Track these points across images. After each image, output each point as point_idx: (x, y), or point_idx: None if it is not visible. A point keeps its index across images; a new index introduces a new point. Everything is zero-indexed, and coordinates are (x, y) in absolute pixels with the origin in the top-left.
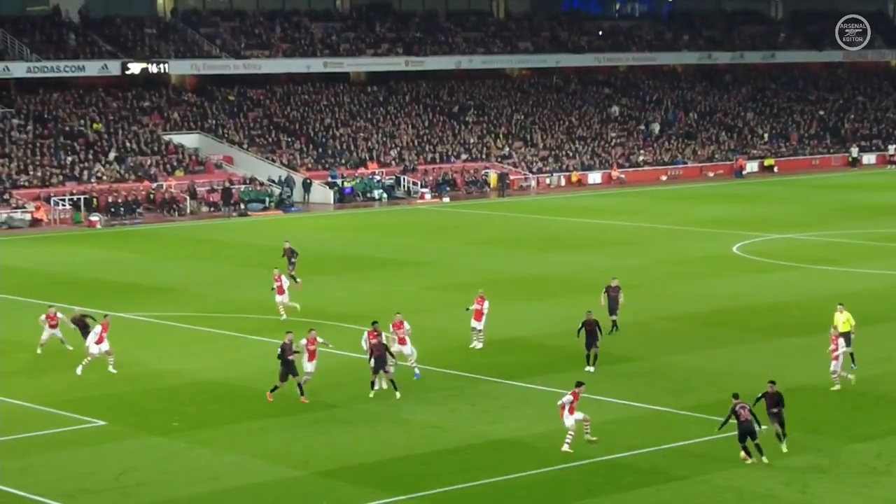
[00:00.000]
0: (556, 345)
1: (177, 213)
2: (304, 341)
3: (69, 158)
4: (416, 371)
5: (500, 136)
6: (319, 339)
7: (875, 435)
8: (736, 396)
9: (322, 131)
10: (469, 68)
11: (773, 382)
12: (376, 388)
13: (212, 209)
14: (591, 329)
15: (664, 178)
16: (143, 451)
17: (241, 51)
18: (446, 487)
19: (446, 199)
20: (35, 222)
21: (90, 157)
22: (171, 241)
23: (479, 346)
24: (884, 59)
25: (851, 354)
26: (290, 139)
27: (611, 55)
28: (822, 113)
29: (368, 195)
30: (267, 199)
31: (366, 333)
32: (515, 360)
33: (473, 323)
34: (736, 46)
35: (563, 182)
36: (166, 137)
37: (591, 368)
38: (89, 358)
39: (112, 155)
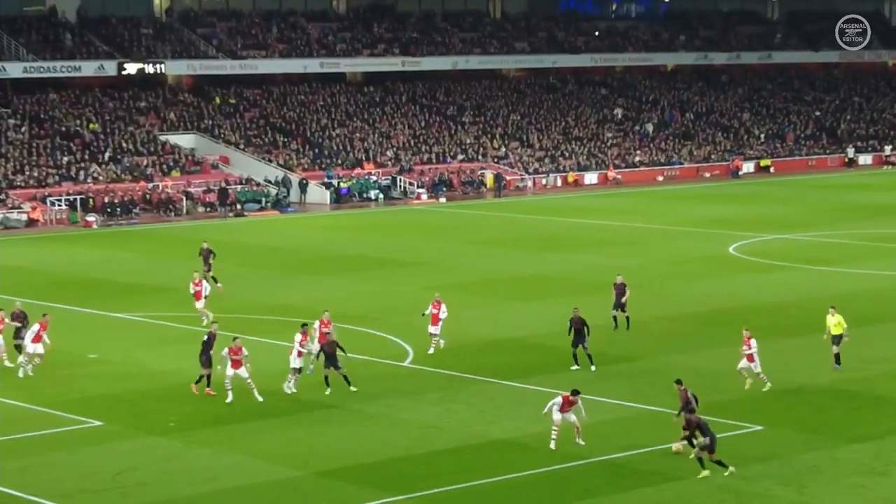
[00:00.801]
0: (553, 345)
1: (173, 214)
2: (225, 351)
3: (65, 159)
4: (310, 367)
5: (497, 136)
6: (245, 352)
7: (873, 435)
8: (679, 382)
9: (318, 132)
10: (465, 69)
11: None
12: (329, 388)
13: (208, 209)
14: (577, 328)
15: (660, 178)
16: (141, 451)
17: (238, 51)
18: (444, 487)
19: (442, 200)
20: (31, 222)
21: (86, 157)
22: (168, 242)
23: (433, 350)
24: (880, 60)
25: (838, 356)
26: (286, 139)
27: (607, 55)
28: (818, 113)
29: (365, 195)
30: (263, 200)
31: (298, 335)
32: (512, 360)
33: (430, 328)
34: (732, 47)
35: (559, 182)
36: (162, 138)
37: (592, 368)
38: (25, 357)
39: (108, 155)
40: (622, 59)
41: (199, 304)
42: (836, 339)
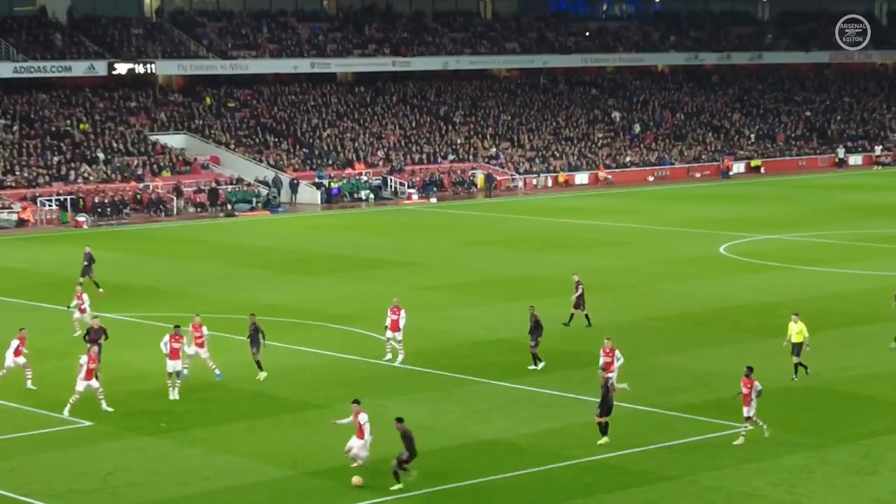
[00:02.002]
0: (544, 345)
1: (163, 214)
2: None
3: (56, 159)
4: (217, 372)
5: (488, 136)
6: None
7: (863, 435)
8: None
9: (309, 132)
10: (456, 69)
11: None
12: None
13: (198, 210)
14: (533, 325)
15: (651, 178)
16: (131, 451)
17: (228, 51)
18: (435, 488)
19: (433, 200)
20: (21, 223)
21: (77, 157)
22: (158, 242)
23: (400, 357)
24: (870, 61)
25: (803, 365)
26: (277, 140)
27: (598, 56)
28: (808, 114)
29: (355, 196)
30: (254, 200)
31: (167, 337)
32: (504, 360)
33: (389, 333)
34: (723, 47)
35: (550, 183)
36: (153, 138)
37: (536, 366)
38: (5, 371)
39: (99, 155)
40: (613, 59)
41: (82, 316)
42: (797, 348)
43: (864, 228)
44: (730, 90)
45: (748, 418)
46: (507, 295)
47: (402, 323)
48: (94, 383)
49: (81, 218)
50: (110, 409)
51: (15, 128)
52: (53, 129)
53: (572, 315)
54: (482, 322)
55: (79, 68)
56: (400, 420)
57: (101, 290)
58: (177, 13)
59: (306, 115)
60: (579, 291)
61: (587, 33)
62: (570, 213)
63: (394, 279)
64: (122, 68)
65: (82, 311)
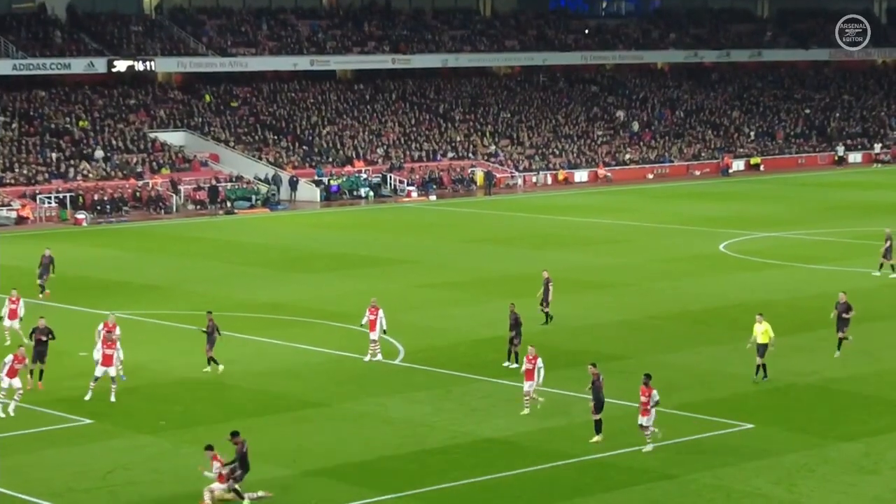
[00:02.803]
0: (544, 343)
1: (163, 211)
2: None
3: (55, 156)
4: (122, 375)
5: (487, 134)
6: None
7: (863, 434)
8: (594, 363)
9: (308, 129)
10: (456, 66)
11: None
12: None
13: (198, 207)
14: (513, 323)
15: (650, 176)
16: (131, 449)
17: (228, 48)
18: (435, 486)
19: (433, 198)
20: (21, 220)
21: (76, 154)
22: (158, 239)
23: (379, 357)
24: (870, 58)
25: (764, 367)
26: (276, 137)
27: (597, 53)
28: (808, 111)
29: (355, 193)
30: (253, 198)
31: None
32: (503, 358)
33: (371, 335)
34: (722, 45)
35: (549, 180)
36: (152, 135)
37: (512, 365)
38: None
39: (98, 153)
40: (612, 56)
41: (11, 323)
42: (762, 349)
43: (863, 226)
44: (729, 88)
45: (644, 427)
46: (507, 293)
47: (381, 323)
48: (17, 383)
49: (81, 215)
50: (7, 415)
51: (14, 125)
52: (53, 126)
53: (544, 313)
54: (481, 320)
55: (78, 65)
56: (235, 434)
57: (48, 291)
58: (176, 10)
59: (306, 112)
60: (548, 289)
61: (587, 31)
62: (569, 211)
63: (393, 277)
64: (121, 65)
65: (12, 317)
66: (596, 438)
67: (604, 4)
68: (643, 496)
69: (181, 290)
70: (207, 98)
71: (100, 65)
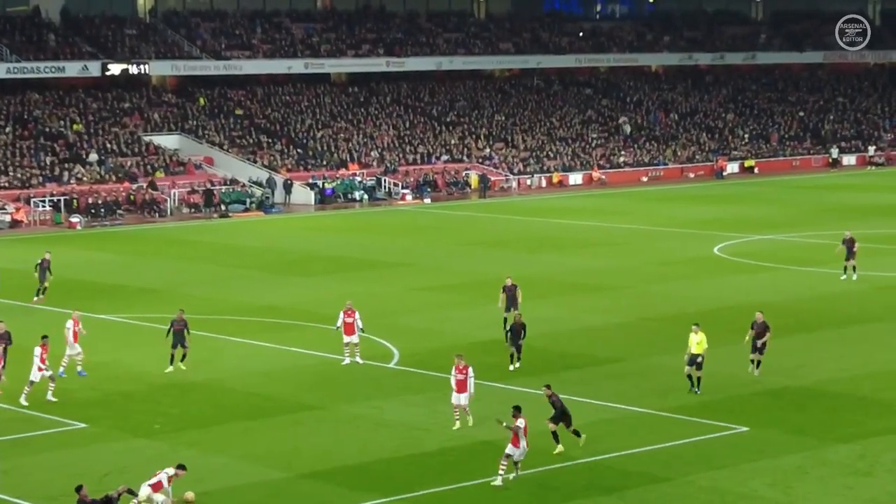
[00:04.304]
0: (539, 346)
1: (157, 215)
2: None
3: (49, 159)
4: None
5: (482, 137)
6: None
7: (858, 436)
8: (548, 386)
9: (303, 132)
10: (450, 69)
11: (548, 386)
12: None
13: (193, 210)
14: (516, 330)
15: (645, 179)
16: (126, 453)
17: (222, 51)
18: (431, 489)
19: (427, 201)
20: (15, 223)
21: (70, 158)
22: (153, 243)
23: (359, 361)
24: (864, 61)
25: (698, 378)
26: (270, 140)
27: (592, 56)
28: (802, 114)
29: (349, 196)
30: (248, 201)
31: (38, 349)
32: (498, 361)
33: (345, 338)
34: (717, 47)
35: (543, 183)
36: (146, 138)
37: (516, 365)
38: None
39: (93, 156)
40: (607, 59)
41: None
42: (693, 360)
43: (857, 229)
44: (723, 90)
45: (510, 457)
46: None
47: (359, 325)
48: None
49: (75, 219)
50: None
51: (8, 128)
52: (47, 129)
53: (506, 320)
54: (477, 323)
55: (72, 69)
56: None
57: (42, 296)
58: (170, 13)
59: (300, 115)
60: (516, 294)
61: (581, 33)
62: (564, 214)
63: (388, 280)
64: (115, 69)
65: None
66: (578, 440)
67: (598, 7)
68: (640, 498)
69: (176, 293)
70: (202, 101)
71: (94, 68)
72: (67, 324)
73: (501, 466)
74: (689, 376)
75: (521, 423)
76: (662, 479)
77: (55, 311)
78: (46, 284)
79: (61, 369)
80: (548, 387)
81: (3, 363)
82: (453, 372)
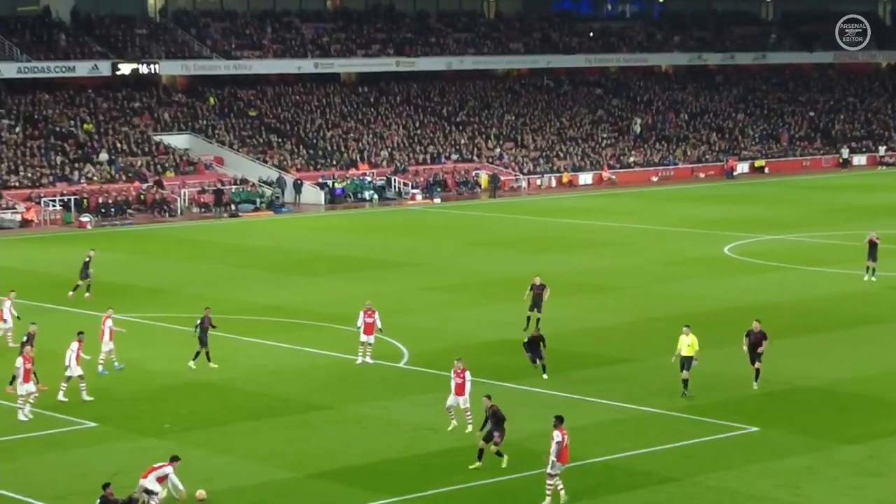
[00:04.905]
0: (549, 346)
1: (167, 214)
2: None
3: (59, 159)
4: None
5: (491, 136)
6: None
7: (867, 436)
8: (489, 396)
9: (313, 132)
10: (460, 69)
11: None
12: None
13: (202, 210)
14: (534, 341)
15: (655, 178)
16: (135, 452)
17: (232, 51)
18: (439, 489)
19: (437, 200)
20: (25, 223)
21: (80, 157)
22: (162, 242)
23: (370, 361)
24: (874, 61)
25: (686, 381)
26: (280, 140)
27: (602, 56)
28: (812, 114)
29: (359, 196)
30: (258, 200)
31: (74, 344)
32: (507, 361)
33: (363, 337)
34: (727, 47)
35: (553, 183)
36: (157, 138)
37: (545, 376)
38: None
39: (103, 155)
40: (617, 59)
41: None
42: (686, 362)
43: (868, 229)
44: (734, 90)
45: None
46: (511, 296)
47: (378, 325)
48: (31, 387)
49: (85, 218)
50: (29, 418)
51: (18, 128)
52: (57, 129)
53: (529, 318)
54: (486, 323)
55: (82, 68)
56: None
57: (71, 293)
58: (180, 13)
59: (310, 115)
60: (542, 294)
61: (591, 33)
62: (573, 214)
63: (397, 280)
64: (125, 68)
65: (3, 319)
66: (500, 461)
67: (608, 7)
68: (647, 499)
69: (185, 292)
70: (212, 101)
71: (104, 67)
72: (106, 322)
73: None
74: (685, 381)
75: (557, 436)
76: (670, 479)
77: (65, 311)
78: (89, 281)
79: (100, 367)
80: (488, 397)
81: (31, 364)
82: (452, 375)
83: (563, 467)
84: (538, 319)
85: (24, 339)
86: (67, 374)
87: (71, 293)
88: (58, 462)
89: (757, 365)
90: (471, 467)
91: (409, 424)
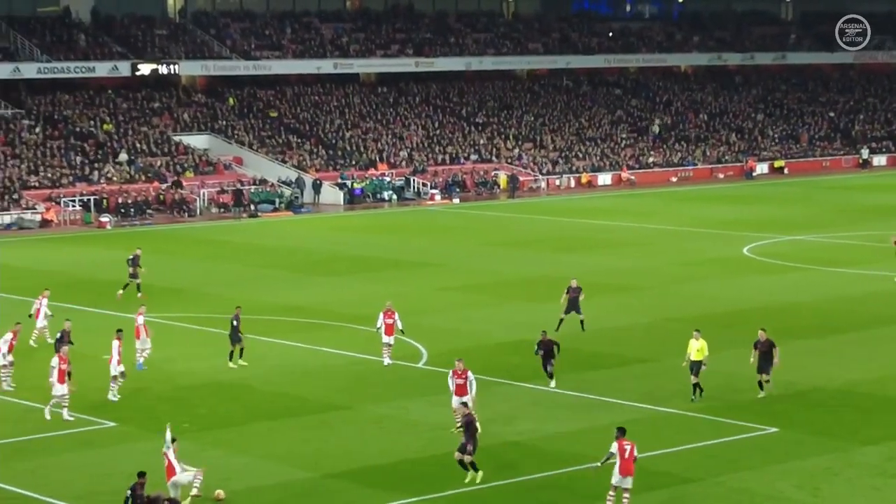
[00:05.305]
0: (567, 347)
1: (187, 214)
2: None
3: (79, 159)
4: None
5: (510, 137)
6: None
7: (886, 437)
8: (465, 404)
9: (332, 132)
10: (479, 69)
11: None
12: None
13: (221, 210)
14: (547, 349)
15: (674, 179)
16: (154, 452)
17: (252, 52)
18: (457, 490)
19: (456, 201)
20: (45, 223)
21: (100, 157)
22: (182, 242)
23: (389, 361)
24: (895, 61)
25: (699, 385)
26: (299, 140)
27: (621, 56)
28: (832, 114)
29: (378, 196)
30: (277, 201)
31: (115, 342)
32: (526, 361)
33: (385, 338)
34: (746, 48)
35: (572, 183)
36: (176, 138)
37: (552, 384)
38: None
39: (122, 156)
40: (636, 59)
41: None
42: (695, 367)
43: (887, 229)
44: (753, 91)
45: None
46: (530, 296)
47: (399, 326)
48: (65, 389)
49: (105, 218)
50: (71, 419)
51: (38, 128)
52: (77, 129)
53: (562, 321)
54: (504, 323)
55: (102, 69)
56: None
57: (120, 292)
58: (200, 14)
59: (329, 115)
60: (578, 296)
61: (610, 34)
62: (592, 214)
63: (416, 280)
64: (145, 69)
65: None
66: (474, 475)
67: (627, 7)
68: (666, 499)
69: (204, 292)
70: (231, 101)
71: (124, 68)
72: (139, 319)
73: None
74: (695, 385)
75: (614, 447)
76: (691, 480)
77: (87, 311)
78: (139, 280)
79: (140, 362)
80: (464, 405)
81: (67, 363)
82: (451, 376)
83: (623, 480)
84: (581, 321)
85: (59, 336)
86: (113, 372)
87: (121, 292)
88: (77, 462)
89: (766, 377)
90: (466, 481)
91: (427, 424)
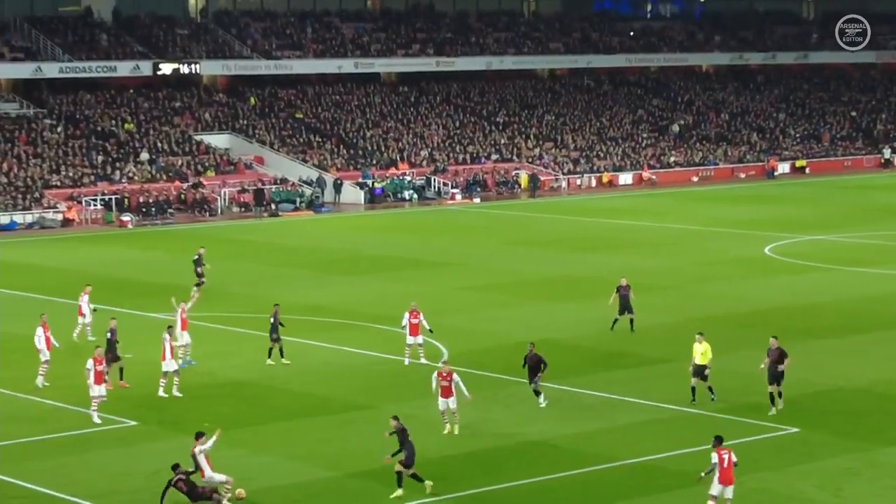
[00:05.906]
0: (588, 346)
1: (208, 214)
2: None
3: (101, 158)
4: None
5: (531, 136)
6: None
7: None
8: (395, 418)
9: (353, 132)
10: (500, 69)
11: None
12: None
13: (242, 209)
14: (532, 364)
15: (695, 179)
16: (175, 451)
17: (273, 51)
18: (479, 489)
19: (477, 200)
20: (67, 222)
21: (122, 157)
22: (203, 242)
23: (423, 361)
24: None
25: (695, 389)
26: (320, 140)
27: (642, 56)
28: (854, 114)
29: (399, 196)
30: (298, 200)
31: (166, 335)
32: (547, 361)
33: (410, 339)
34: (768, 47)
35: (593, 183)
36: (197, 138)
37: (541, 402)
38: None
39: (144, 155)
40: (657, 59)
41: (82, 320)
42: (699, 371)
43: None
44: (775, 90)
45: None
46: (550, 295)
47: (425, 325)
48: (102, 391)
49: (126, 217)
50: (99, 422)
51: (60, 128)
52: (98, 128)
53: (617, 320)
54: (525, 322)
55: (124, 68)
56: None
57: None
58: (221, 13)
59: (350, 115)
60: (629, 294)
61: (631, 33)
62: (613, 214)
63: (437, 279)
64: (166, 68)
65: (81, 314)
66: (398, 493)
67: (648, 6)
68: (686, 499)
69: (225, 291)
70: (252, 101)
71: (145, 67)
72: (180, 314)
73: None
74: (694, 388)
75: (714, 457)
76: None
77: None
78: (204, 279)
79: (188, 358)
80: (395, 418)
81: (104, 364)
82: (435, 376)
83: (725, 490)
84: (631, 319)
85: (108, 336)
86: (165, 369)
87: (195, 291)
88: (99, 460)
89: (777, 387)
90: (428, 491)
91: None
